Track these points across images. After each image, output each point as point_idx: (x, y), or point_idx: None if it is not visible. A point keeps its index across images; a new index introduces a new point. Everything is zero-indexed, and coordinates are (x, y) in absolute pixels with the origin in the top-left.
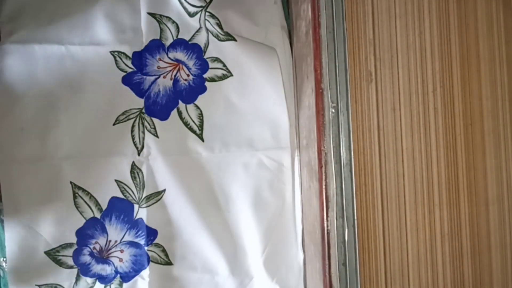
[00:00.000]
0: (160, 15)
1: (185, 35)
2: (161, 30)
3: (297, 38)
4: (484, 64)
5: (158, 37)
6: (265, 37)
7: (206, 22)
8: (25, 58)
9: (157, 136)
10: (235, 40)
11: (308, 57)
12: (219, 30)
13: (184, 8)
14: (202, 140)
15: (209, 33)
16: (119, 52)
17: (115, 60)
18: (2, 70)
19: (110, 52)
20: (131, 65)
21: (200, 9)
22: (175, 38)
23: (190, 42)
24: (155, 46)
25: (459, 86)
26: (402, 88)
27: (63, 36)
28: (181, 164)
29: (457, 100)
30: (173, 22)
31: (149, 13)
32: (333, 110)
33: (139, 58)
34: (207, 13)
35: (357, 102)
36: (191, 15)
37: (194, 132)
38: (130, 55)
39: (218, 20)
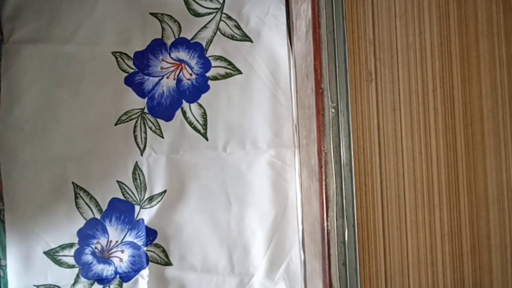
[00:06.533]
0: (162, 14)
1: (187, 34)
2: (163, 29)
3: (297, 38)
4: (484, 64)
5: (159, 37)
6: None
7: (221, 22)
8: (26, 58)
9: (162, 137)
10: (252, 42)
11: (308, 57)
12: (236, 31)
13: (190, 8)
14: (207, 139)
15: (220, 33)
16: (120, 52)
17: (117, 61)
18: (3, 70)
19: (112, 52)
20: (132, 66)
21: (215, 10)
22: (176, 37)
23: (192, 41)
24: (157, 46)
25: (459, 86)
26: (402, 88)
27: (64, 36)
28: (184, 163)
29: (457, 100)
30: (175, 21)
31: (151, 13)
32: (333, 110)
33: (141, 58)
34: (223, 15)
35: (357, 102)
36: (200, 15)
37: (198, 131)
38: (132, 56)
39: (236, 22)
